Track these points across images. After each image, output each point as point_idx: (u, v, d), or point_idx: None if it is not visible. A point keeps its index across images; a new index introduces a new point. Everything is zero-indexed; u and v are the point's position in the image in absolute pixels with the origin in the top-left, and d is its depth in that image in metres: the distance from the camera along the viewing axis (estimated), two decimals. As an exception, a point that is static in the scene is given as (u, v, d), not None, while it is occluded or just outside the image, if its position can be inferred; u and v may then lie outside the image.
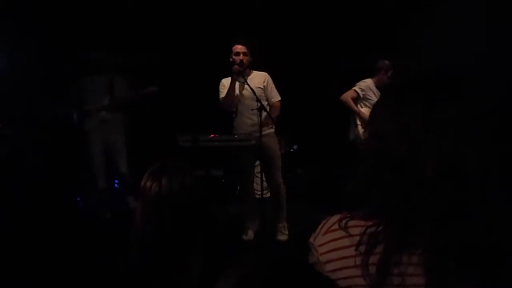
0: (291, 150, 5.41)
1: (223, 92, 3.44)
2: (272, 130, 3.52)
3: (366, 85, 4.06)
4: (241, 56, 3.29)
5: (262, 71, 3.55)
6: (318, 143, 5.41)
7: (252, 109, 3.34)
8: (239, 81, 3.36)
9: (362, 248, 0.67)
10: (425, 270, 0.64)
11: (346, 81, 4.18)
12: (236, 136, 3.46)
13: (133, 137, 4.28)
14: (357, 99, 4.05)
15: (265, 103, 3.38)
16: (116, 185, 4.51)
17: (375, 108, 0.78)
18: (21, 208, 3.72)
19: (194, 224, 1.26)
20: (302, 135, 5.51)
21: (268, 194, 4.07)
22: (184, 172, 1.31)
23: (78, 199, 4.37)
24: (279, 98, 3.52)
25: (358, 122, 3.99)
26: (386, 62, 4.03)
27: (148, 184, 1.26)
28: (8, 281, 2.59)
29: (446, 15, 3.95)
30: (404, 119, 0.69)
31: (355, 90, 4.03)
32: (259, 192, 3.94)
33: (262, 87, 3.43)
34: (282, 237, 3.46)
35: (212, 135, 3.43)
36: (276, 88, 3.56)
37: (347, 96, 4.02)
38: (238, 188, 4.41)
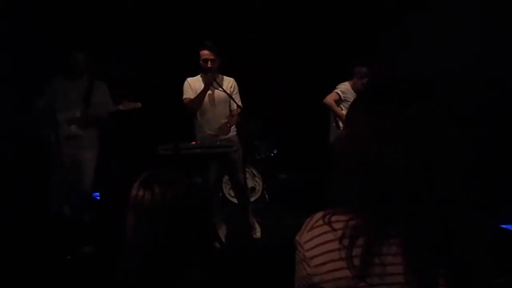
0: (272, 154, 5.37)
1: (188, 92, 3.44)
2: (235, 133, 3.60)
3: (346, 88, 4.10)
4: (208, 64, 3.32)
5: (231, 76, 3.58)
6: (300, 147, 5.39)
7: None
8: (214, 87, 3.37)
9: (345, 242, 0.71)
10: (403, 259, 0.69)
11: (327, 84, 4.18)
12: (218, 143, 3.43)
13: (111, 147, 4.09)
14: (338, 101, 4.06)
15: (225, 105, 3.48)
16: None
17: (349, 111, 0.84)
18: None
19: (189, 232, 1.28)
20: (285, 139, 5.49)
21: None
22: (176, 180, 1.32)
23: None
24: (241, 106, 3.52)
25: (341, 125, 3.99)
26: (363, 69, 4.06)
27: (141, 193, 1.26)
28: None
29: (440, 15, 4.02)
30: (376, 120, 0.75)
31: (337, 93, 4.06)
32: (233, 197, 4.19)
33: (229, 92, 3.45)
34: (256, 234, 3.65)
35: (194, 142, 3.39)
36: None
37: (330, 98, 4.03)
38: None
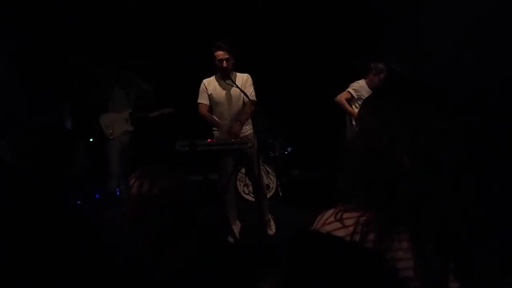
0: (286, 152, 5.41)
1: (202, 96, 3.55)
2: (251, 130, 3.61)
3: (360, 86, 4.10)
4: (224, 64, 3.36)
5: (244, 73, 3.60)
6: (314, 145, 5.42)
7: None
8: (228, 84, 3.41)
9: (356, 237, 0.72)
10: (412, 254, 0.70)
11: (340, 83, 4.20)
12: (233, 140, 3.47)
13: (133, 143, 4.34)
14: (351, 100, 4.08)
15: (241, 102, 3.49)
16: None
17: (360, 109, 0.87)
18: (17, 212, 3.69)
19: (173, 225, 1.34)
20: (298, 137, 5.52)
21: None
22: (167, 175, 1.40)
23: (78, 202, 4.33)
24: (255, 99, 3.51)
25: (354, 122, 4.01)
26: (380, 64, 4.06)
27: (132, 184, 1.37)
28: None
29: (437, 12, 4.01)
30: (384, 117, 0.77)
31: (348, 91, 4.07)
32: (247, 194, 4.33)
33: (242, 88, 3.46)
34: (270, 231, 3.66)
35: (209, 140, 3.45)
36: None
37: (341, 97, 4.05)
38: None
